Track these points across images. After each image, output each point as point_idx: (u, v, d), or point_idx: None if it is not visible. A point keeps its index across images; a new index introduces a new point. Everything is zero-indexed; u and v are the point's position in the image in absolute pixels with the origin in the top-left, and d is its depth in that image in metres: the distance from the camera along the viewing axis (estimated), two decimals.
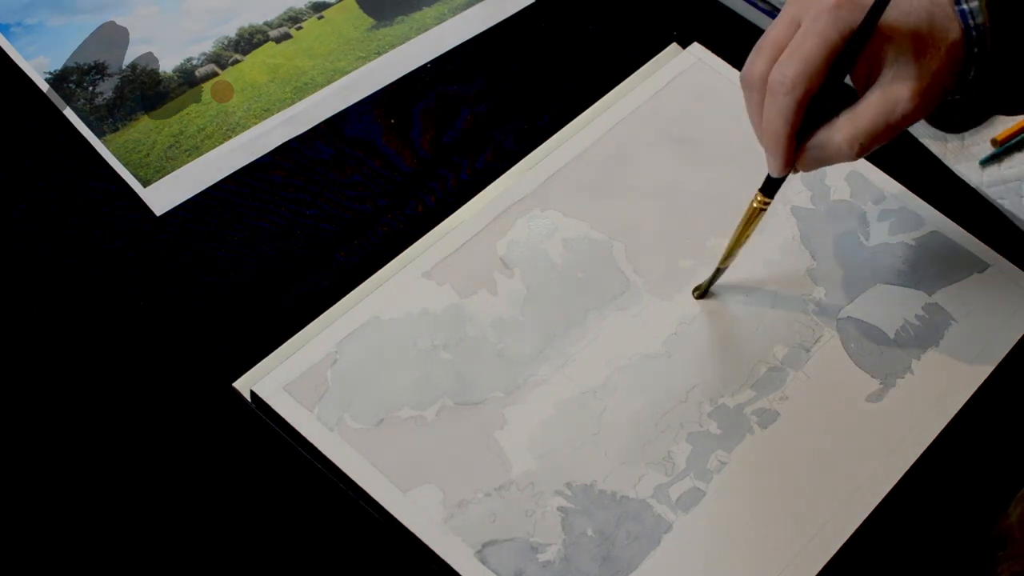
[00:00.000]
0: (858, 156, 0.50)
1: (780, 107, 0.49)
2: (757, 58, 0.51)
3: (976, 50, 0.49)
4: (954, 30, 0.49)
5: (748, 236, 0.58)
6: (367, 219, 0.64)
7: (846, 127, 0.50)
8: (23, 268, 0.60)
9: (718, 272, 0.61)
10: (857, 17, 0.48)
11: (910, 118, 0.49)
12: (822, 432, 0.58)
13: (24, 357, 0.57)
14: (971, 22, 0.49)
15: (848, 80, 0.51)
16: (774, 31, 0.50)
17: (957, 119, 0.54)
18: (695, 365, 0.60)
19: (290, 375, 0.57)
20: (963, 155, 0.71)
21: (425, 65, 0.71)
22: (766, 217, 0.66)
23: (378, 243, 0.63)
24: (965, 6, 0.49)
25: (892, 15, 0.48)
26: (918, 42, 0.48)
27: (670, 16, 0.75)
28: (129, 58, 0.69)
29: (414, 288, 0.61)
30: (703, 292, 0.62)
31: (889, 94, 0.49)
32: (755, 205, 0.56)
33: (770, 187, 0.56)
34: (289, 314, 0.60)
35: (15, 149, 0.64)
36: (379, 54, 0.72)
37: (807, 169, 0.52)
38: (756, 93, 0.51)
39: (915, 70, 0.48)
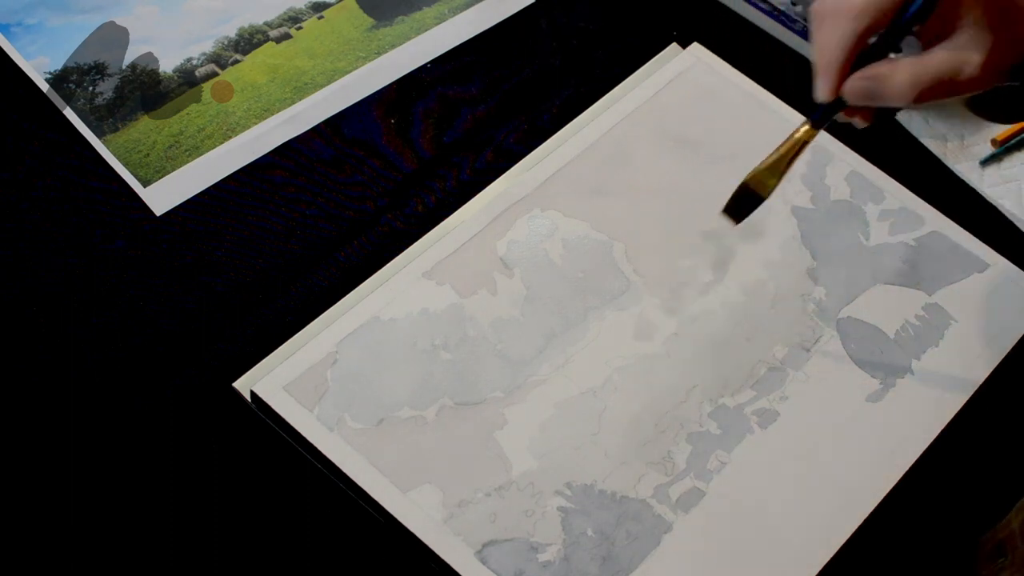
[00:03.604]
0: (914, 101, 0.48)
1: (842, 31, 0.48)
2: None
3: None
4: None
5: (788, 170, 0.52)
6: (367, 219, 0.64)
7: (911, 67, 0.48)
8: (23, 268, 0.60)
9: (752, 196, 0.54)
10: None
11: (973, 85, 0.48)
12: (822, 432, 0.58)
13: (24, 357, 0.57)
14: None
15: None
16: None
17: (1006, 107, 0.53)
18: (695, 365, 0.60)
19: (290, 375, 0.57)
20: (963, 155, 0.71)
21: (425, 65, 0.71)
22: (766, 217, 0.66)
23: (378, 243, 0.63)
24: None
25: None
26: (1001, 14, 0.47)
27: (670, 16, 0.75)
28: (129, 58, 0.69)
29: (414, 288, 0.61)
30: (732, 212, 0.55)
31: (960, 54, 0.47)
32: (799, 136, 0.52)
33: (820, 116, 0.51)
34: (289, 314, 0.60)
35: (15, 149, 0.64)
36: (379, 54, 0.71)
37: (854, 100, 0.50)
38: (824, 22, 0.49)
39: (989, 41, 0.47)
